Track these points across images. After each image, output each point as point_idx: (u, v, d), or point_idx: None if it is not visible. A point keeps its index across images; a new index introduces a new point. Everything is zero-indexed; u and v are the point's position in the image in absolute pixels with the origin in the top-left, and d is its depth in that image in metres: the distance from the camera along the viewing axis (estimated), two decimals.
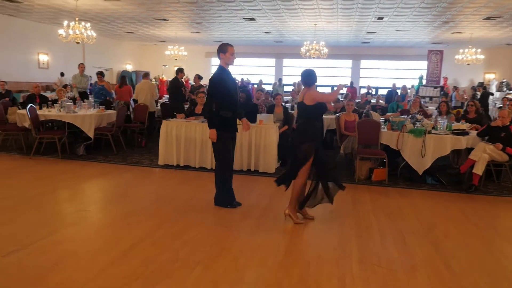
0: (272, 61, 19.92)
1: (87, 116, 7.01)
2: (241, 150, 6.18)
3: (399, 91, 11.71)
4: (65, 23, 11.07)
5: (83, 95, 9.78)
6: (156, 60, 19.55)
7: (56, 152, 6.82)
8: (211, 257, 3.20)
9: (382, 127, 6.23)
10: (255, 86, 15.96)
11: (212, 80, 4.32)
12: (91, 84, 11.66)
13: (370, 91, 14.13)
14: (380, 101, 11.70)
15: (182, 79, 9.13)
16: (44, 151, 7.08)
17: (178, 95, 8.79)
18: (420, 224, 4.24)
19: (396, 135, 5.89)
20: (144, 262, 3.06)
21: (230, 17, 12.59)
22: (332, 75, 18.67)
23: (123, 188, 5.37)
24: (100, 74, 8.95)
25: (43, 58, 15.27)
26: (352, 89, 15.21)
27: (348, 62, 19.00)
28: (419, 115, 6.64)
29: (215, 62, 20.43)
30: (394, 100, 9.89)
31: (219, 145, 4.40)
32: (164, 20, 13.57)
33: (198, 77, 9.50)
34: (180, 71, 9.02)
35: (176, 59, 16.75)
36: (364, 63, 18.98)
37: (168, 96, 10.76)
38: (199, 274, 2.91)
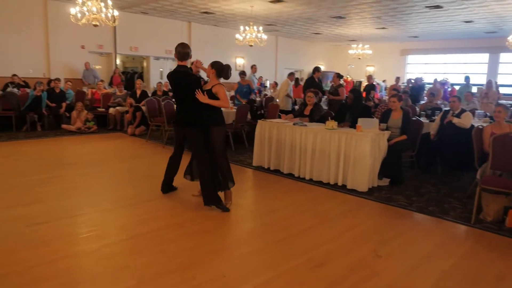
0: (484, 57, 16.18)
1: None
2: (329, 160, 5.30)
3: None
4: (241, 28, 12.24)
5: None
6: (344, 60, 19.10)
7: None
8: None
9: None
10: (455, 87, 13.25)
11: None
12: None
13: None
14: None
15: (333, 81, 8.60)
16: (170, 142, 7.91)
17: None
18: None
19: None
20: None
21: (409, 7, 10.96)
22: None
23: None
24: (243, 74, 9.41)
25: (240, 61, 17.34)
26: None
27: None
28: None
29: (412, 60, 18.24)
30: None
31: None
32: (340, 17, 13.07)
33: (337, 76, 8.68)
34: (316, 70, 8.49)
35: (359, 58, 15.89)
36: None
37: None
38: None
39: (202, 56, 15.21)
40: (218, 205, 4.16)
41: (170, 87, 11.11)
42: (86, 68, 11.90)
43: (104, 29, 13.19)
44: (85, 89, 11.13)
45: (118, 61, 18.42)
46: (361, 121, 5.33)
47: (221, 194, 4.27)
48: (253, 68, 11.35)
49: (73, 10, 8.71)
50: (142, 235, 3.52)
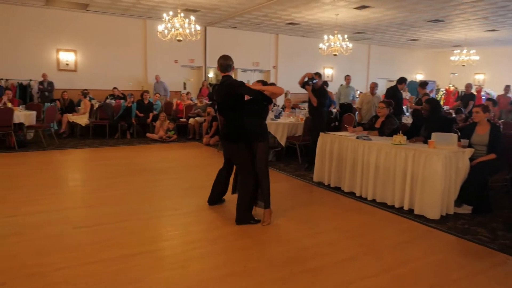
0: None
1: (280, 124, 7.30)
2: (394, 179, 4.63)
3: None
4: (325, 37, 11.83)
5: (346, 108, 9.74)
6: (446, 68, 17.19)
7: None
8: None
9: None
10: None
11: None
12: (352, 96, 11.63)
13: None
14: None
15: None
16: None
17: (395, 107, 7.48)
18: None
19: None
20: None
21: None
22: None
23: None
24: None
25: (328, 71, 16.81)
26: None
27: None
28: None
29: None
30: None
31: None
32: (438, 21, 11.79)
33: (421, 85, 7.65)
34: (403, 81, 7.67)
35: (463, 65, 14.14)
36: None
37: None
38: None
39: (290, 67, 15.28)
40: (250, 222, 3.95)
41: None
42: (157, 80, 12.59)
43: (195, 44, 13.99)
44: (173, 100, 11.85)
45: (211, 74, 19.44)
46: (435, 136, 4.57)
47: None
48: (347, 78, 10.55)
49: (160, 27, 9.35)
50: (164, 249, 3.43)
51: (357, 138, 5.13)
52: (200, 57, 14.34)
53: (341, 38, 11.78)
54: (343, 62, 16.37)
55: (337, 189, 5.42)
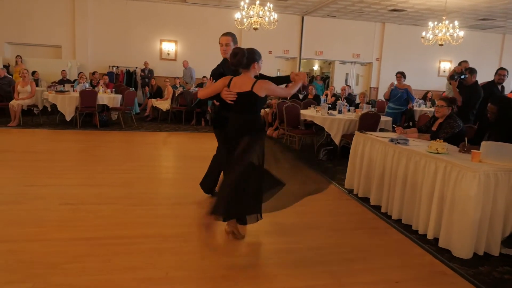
0: None
1: (336, 120, 6.47)
2: (420, 198, 3.57)
3: None
4: (430, 24, 10.17)
5: None
6: None
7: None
8: None
9: None
10: None
11: None
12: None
13: None
14: None
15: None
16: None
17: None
18: None
19: None
20: None
21: None
22: None
23: None
24: (401, 74, 7.51)
25: (445, 65, 14.56)
26: None
27: None
28: None
29: None
30: None
31: None
32: None
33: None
34: (499, 71, 6.00)
35: None
36: None
37: None
38: None
39: (396, 60, 13.64)
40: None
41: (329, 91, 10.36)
42: (184, 66, 12.39)
43: (291, 34, 13.62)
44: None
45: (316, 67, 18.76)
46: (486, 146, 3.34)
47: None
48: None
49: (237, 15, 9.27)
50: (119, 238, 3.25)
51: (391, 141, 4.13)
52: (295, 48, 13.87)
53: (451, 25, 9.93)
54: (466, 55, 13.85)
55: (365, 200, 4.49)
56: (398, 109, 7.65)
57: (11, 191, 4.24)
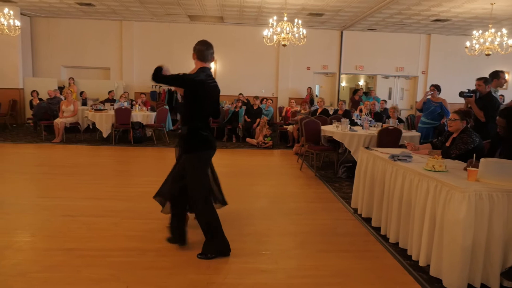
0: None
1: (355, 136, 6.19)
2: (413, 220, 3.25)
3: None
4: (475, 33, 9.49)
5: None
6: None
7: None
8: None
9: None
10: None
11: None
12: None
13: None
14: None
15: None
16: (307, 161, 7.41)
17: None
18: None
19: None
20: None
21: None
22: None
23: None
24: (434, 87, 6.98)
25: None
26: None
27: None
28: None
29: None
30: None
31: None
32: None
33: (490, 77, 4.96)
34: (494, 76, 5.35)
35: None
36: None
37: None
38: None
39: (444, 72, 12.86)
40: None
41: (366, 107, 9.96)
42: None
43: (330, 50, 13.45)
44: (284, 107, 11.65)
45: (361, 82, 18.27)
46: (486, 164, 2.98)
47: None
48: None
49: (265, 32, 9.34)
50: (114, 251, 3.33)
51: (391, 157, 3.84)
52: (334, 63, 13.63)
53: (498, 34, 9.18)
54: None
55: (368, 221, 4.19)
56: (430, 124, 7.12)
57: (22, 202, 4.56)
